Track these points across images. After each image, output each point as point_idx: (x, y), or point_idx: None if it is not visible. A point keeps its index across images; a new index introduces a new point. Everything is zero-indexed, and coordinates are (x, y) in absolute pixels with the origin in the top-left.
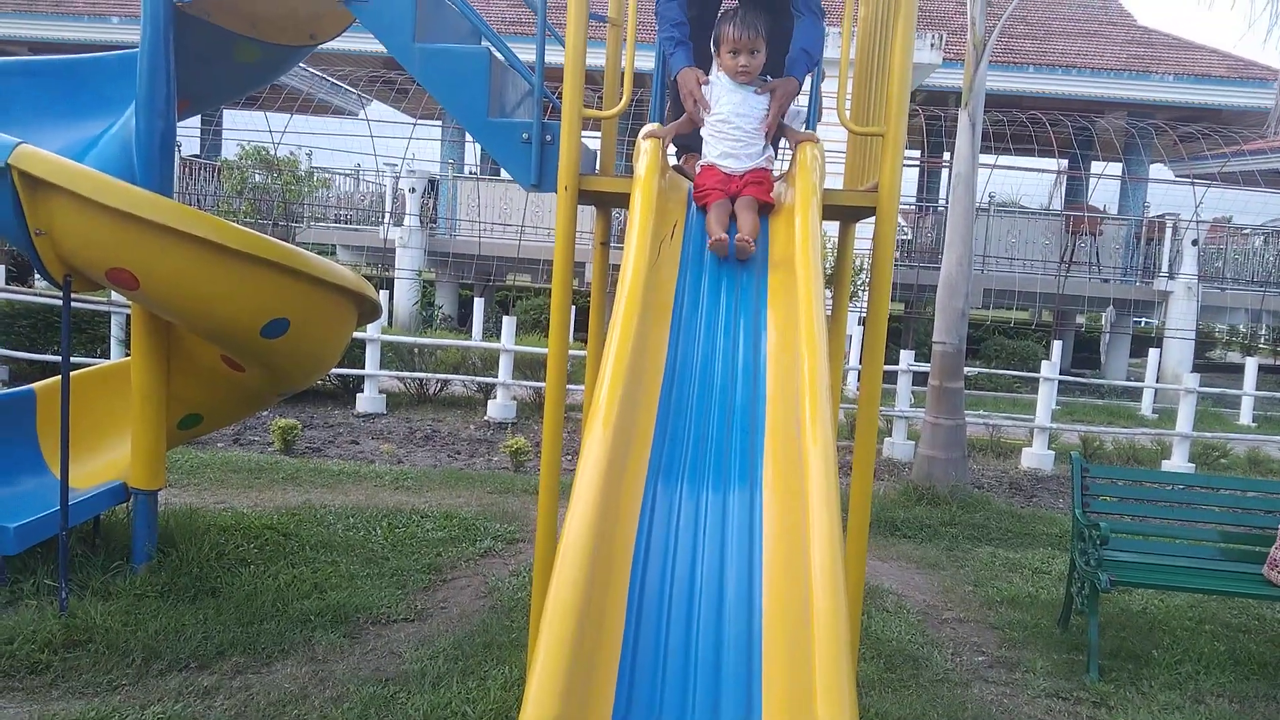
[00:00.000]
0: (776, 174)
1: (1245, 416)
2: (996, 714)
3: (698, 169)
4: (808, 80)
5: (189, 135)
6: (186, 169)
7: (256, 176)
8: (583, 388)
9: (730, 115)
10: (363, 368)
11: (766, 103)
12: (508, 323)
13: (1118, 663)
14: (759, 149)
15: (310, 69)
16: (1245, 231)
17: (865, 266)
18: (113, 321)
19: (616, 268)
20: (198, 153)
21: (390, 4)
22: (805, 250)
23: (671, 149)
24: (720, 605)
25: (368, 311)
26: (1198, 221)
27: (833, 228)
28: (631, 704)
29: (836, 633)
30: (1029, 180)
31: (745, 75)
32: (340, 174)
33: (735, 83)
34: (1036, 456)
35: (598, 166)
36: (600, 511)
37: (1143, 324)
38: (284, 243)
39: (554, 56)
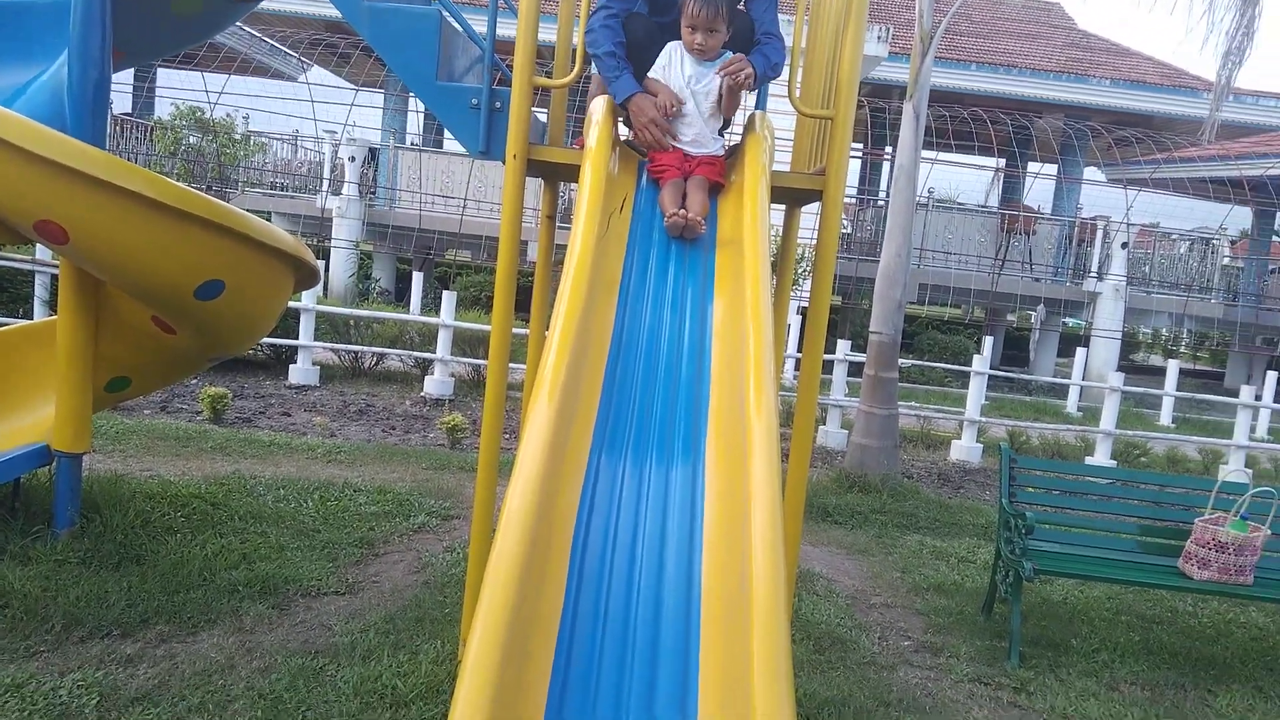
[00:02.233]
0: (725, 150)
1: (1165, 417)
2: (921, 697)
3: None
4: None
5: (121, 92)
6: (118, 127)
7: (191, 138)
8: (523, 366)
9: (687, 91)
10: (296, 338)
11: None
12: (448, 297)
13: (1038, 650)
14: (715, 132)
15: (249, 29)
16: (1172, 237)
17: (806, 255)
18: (36, 281)
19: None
20: (129, 111)
21: None
22: (753, 230)
23: (622, 126)
24: (660, 579)
25: (305, 277)
26: (1128, 225)
27: (777, 215)
28: (569, 675)
29: (775, 608)
30: (967, 178)
31: (702, 53)
32: (277, 139)
33: (701, 62)
34: (965, 449)
35: (546, 138)
36: (543, 484)
37: (1071, 324)
38: (221, 202)
39: (505, 30)
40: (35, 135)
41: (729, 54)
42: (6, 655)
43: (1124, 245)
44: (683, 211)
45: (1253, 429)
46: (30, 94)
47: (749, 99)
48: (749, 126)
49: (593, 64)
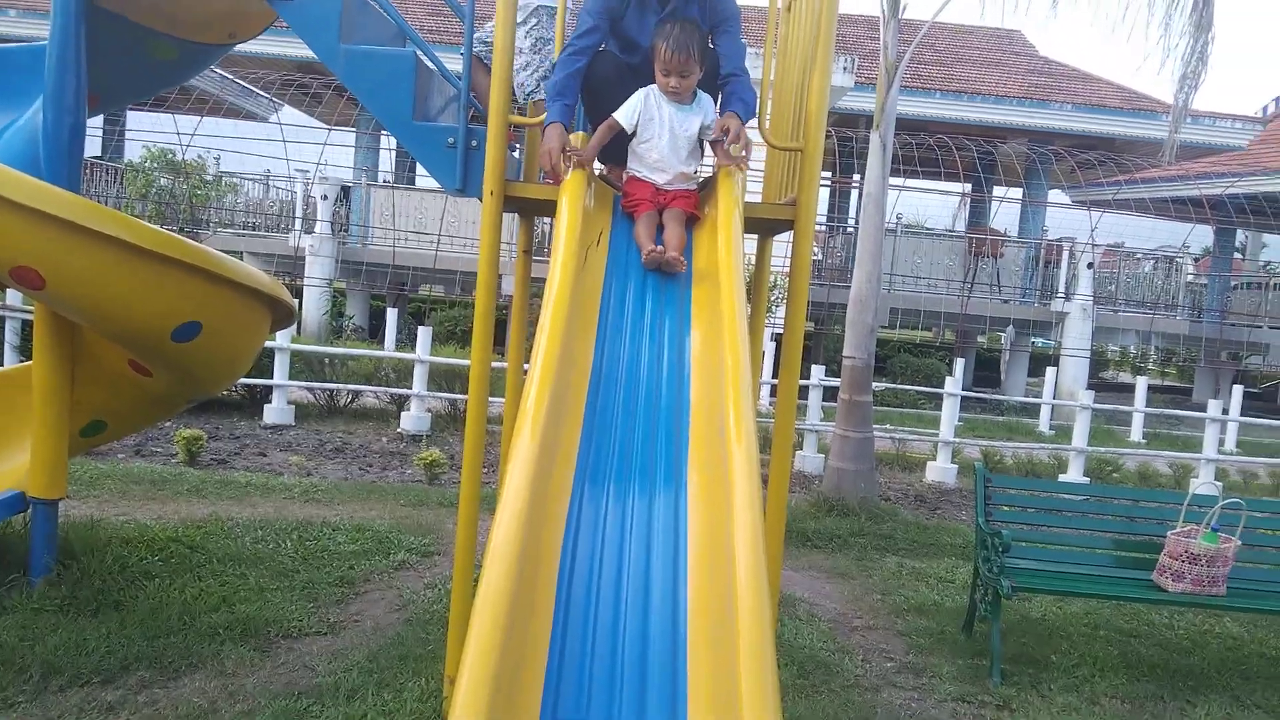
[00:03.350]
0: (699, 183)
1: (1136, 433)
2: (905, 718)
3: (625, 178)
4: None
5: (91, 136)
6: (89, 171)
7: (162, 180)
8: (501, 400)
9: (663, 130)
10: (271, 377)
11: (699, 120)
12: (423, 333)
13: (1019, 667)
14: (690, 169)
15: (221, 71)
16: (1137, 256)
17: (780, 283)
18: (7, 326)
19: (537, 280)
20: (99, 154)
21: (317, 5)
22: (728, 261)
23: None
24: (646, 608)
25: (282, 317)
26: (1093, 245)
27: (750, 243)
28: (558, 709)
29: (761, 632)
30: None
31: (676, 95)
32: (249, 179)
33: (671, 102)
34: (940, 470)
35: (522, 175)
36: (527, 517)
37: (1040, 344)
38: (197, 244)
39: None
40: (10, 181)
41: (703, 95)
42: None
43: (1090, 265)
44: (660, 249)
45: (1221, 442)
46: (6, 139)
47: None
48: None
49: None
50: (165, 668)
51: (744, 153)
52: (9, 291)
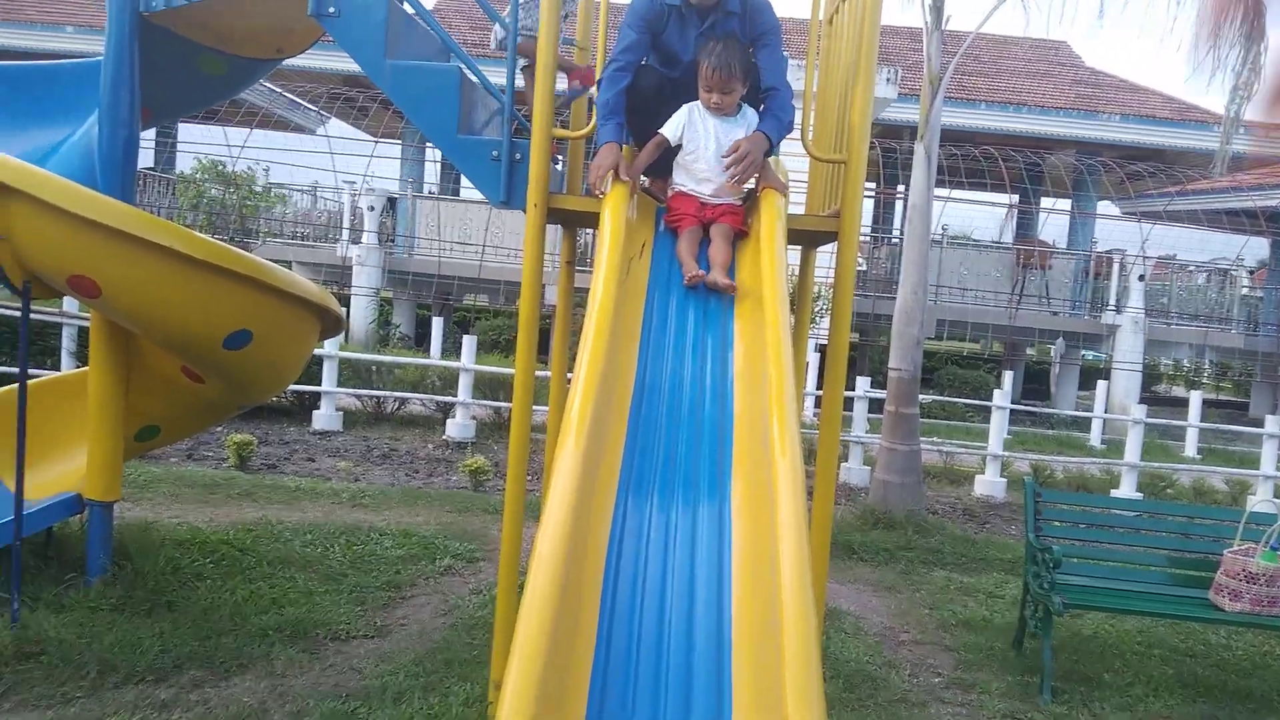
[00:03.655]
0: (745, 196)
1: (1190, 449)
2: None
3: (670, 192)
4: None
5: (144, 148)
6: (141, 182)
7: (213, 191)
8: (545, 408)
9: (709, 141)
10: (320, 384)
11: (744, 132)
12: (468, 342)
13: (1070, 685)
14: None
15: (269, 85)
16: (1189, 269)
17: (823, 294)
18: (64, 333)
19: (579, 290)
20: (152, 166)
21: (362, 21)
22: (771, 273)
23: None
24: (691, 617)
25: (330, 325)
26: (1144, 257)
27: (794, 254)
28: (603, 716)
29: (807, 643)
30: (981, 214)
31: (720, 110)
32: (297, 190)
33: (715, 116)
34: (989, 483)
35: (565, 187)
36: (572, 526)
37: (1090, 357)
38: (248, 254)
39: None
40: (69, 194)
41: (747, 108)
42: (44, 702)
43: (1141, 278)
44: (701, 272)
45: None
46: (63, 153)
47: None
48: (764, 171)
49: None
50: (216, 667)
51: (741, 172)
52: (65, 299)
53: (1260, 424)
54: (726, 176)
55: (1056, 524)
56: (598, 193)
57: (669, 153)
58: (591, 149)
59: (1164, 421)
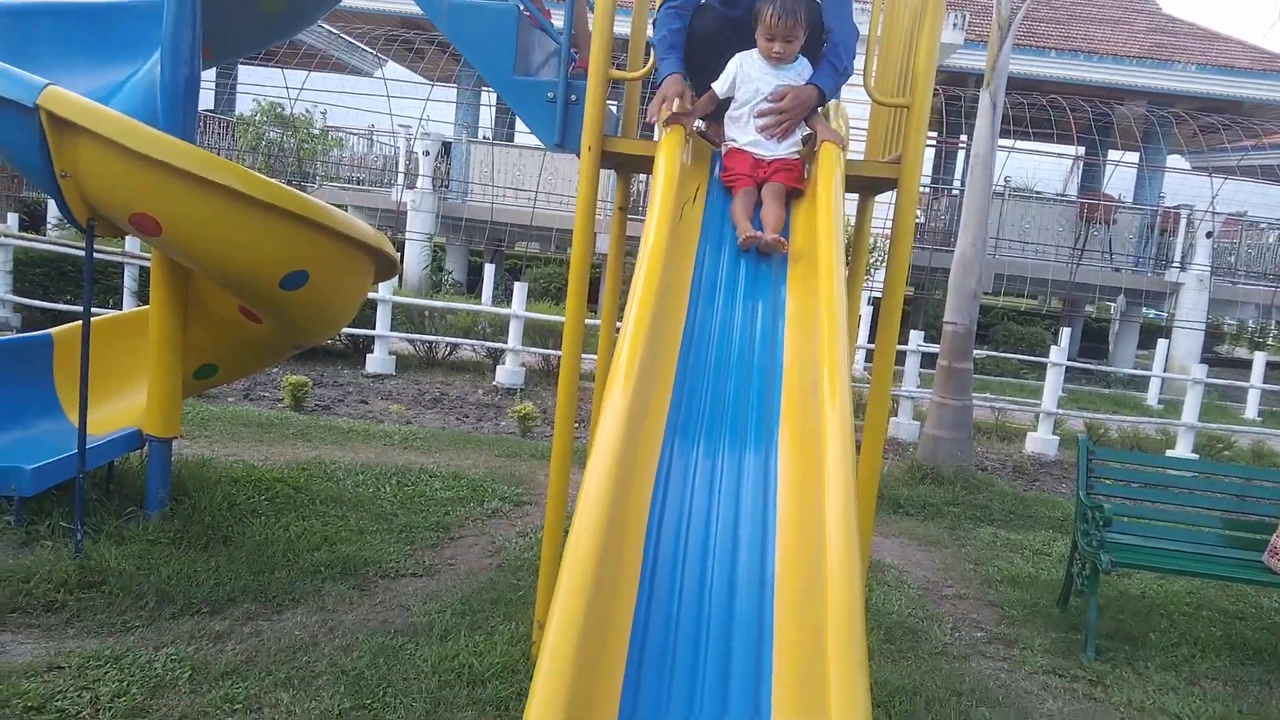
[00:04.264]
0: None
1: (1251, 411)
2: (993, 688)
3: (724, 148)
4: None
5: (203, 90)
6: (201, 123)
7: (271, 133)
8: (593, 356)
9: (758, 96)
10: (373, 328)
11: (798, 83)
12: (519, 288)
13: (1114, 644)
14: (792, 136)
15: (327, 26)
16: (1260, 226)
17: (879, 245)
18: (126, 273)
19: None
20: (211, 107)
21: None
22: (827, 219)
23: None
24: (734, 565)
25: (384, 269)
26: (1213, 214)
27: (850, 204)
28: (644, 660)
29: (850, 592)
30: (1045, 165)
31: (780, 59)
32: (354, 134)
33: (770, 65)
34: (1041, 441)
35: (620, 130)
36: (618, 468)
37: (1151, 315)
38: (306, 195)
39: None
40: (132, 132)
41: (801, 57)
42: (105, 629)
43: (1208, 235)
44: (756, 234)
45: None
46: (126, 91)
47: None
48: (821, 123)
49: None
50: (269, 601)
51: (770, 126)
52: (127, 239)
53: None
54: (760, 124)
55: (1108, 482)
56: (657, 121)
57: (725, 99)
58: (648, 94)
59: (1225, 382)
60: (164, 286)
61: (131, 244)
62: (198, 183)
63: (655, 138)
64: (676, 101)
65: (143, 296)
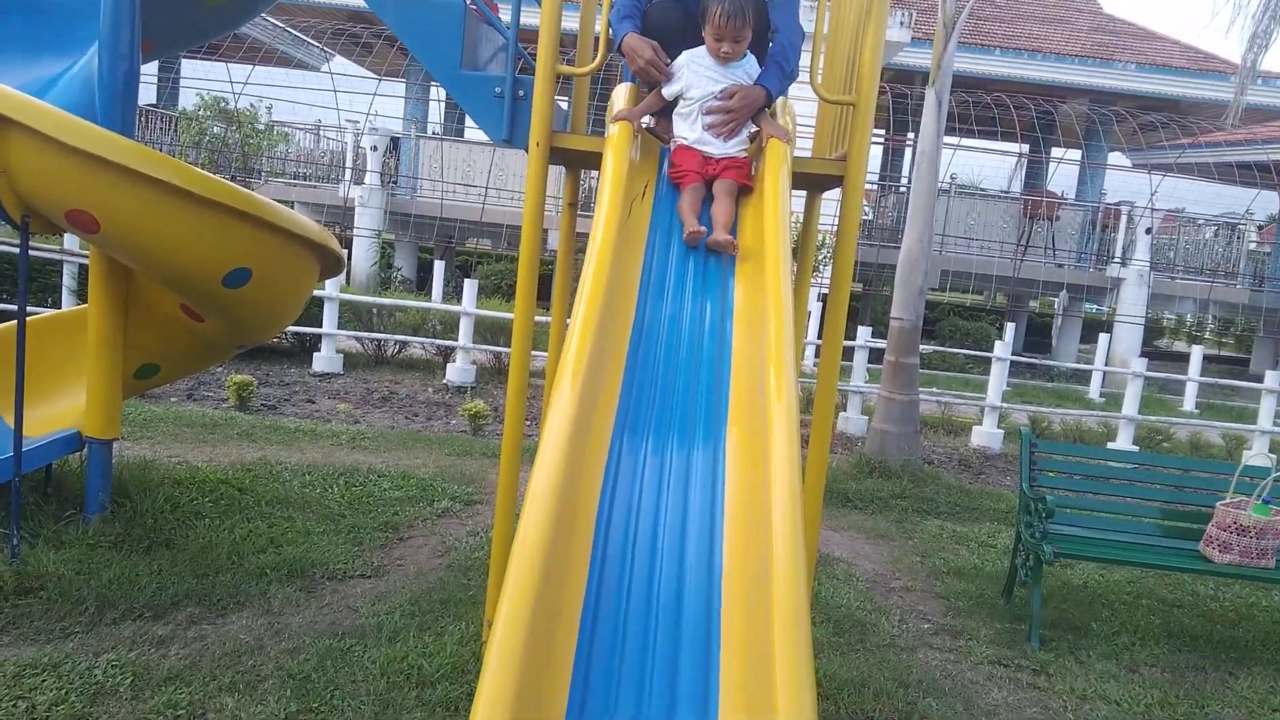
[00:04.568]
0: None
1: (1189, 403)
2: (940, 679)
3: (672, 145)
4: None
5: (145, 84)
6: (143, 118)
7: (215, 128)
8: (545, 353)
9: (705, 94)
10: (320, 326)
11: (745, 81)
12: (469, 285)
13: (1058, 633)
14: (739, 134)
15: (273, 19)
16: (1198, 222)
17: (827, 242)
18: (65, 270)
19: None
20: (154, 102)
21: None
22: (774, 216)
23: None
24: (682, 559)
25: (330, 265)
26: (1152, 210)
27: (798, 201)
28: (593, 655)
29: (795, 586)
30: (990, 163)
31: (728, 58)
32: (300, 129)
33: (719, 64)
34: (986, 434)
35: (569, 126)
36: (567, 464)
37: (1093, 310)
38: (249, 191)
39: (528, 18)
40: (68, 126)
41: (749, 54)
42: (43, 636)
43: (1148, 231)
44: (701, 229)
45: (1277, 414)
46: (62, 85)
47: None
48: (768, 120)
49: (614, 53)
50: (214, 605)
51: (717, 124)
52: (65, 236)
53: (1260, 379)
54: (709, 121)
55: (1051, 474)
56: (654, 74)
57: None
58: (602, 87)
59: (1164, 375)
60: (103, 285)
61: (70, 241)
62: (137, 179)
63: (669, 166)
64: (649, 52)
65: (82, 295)
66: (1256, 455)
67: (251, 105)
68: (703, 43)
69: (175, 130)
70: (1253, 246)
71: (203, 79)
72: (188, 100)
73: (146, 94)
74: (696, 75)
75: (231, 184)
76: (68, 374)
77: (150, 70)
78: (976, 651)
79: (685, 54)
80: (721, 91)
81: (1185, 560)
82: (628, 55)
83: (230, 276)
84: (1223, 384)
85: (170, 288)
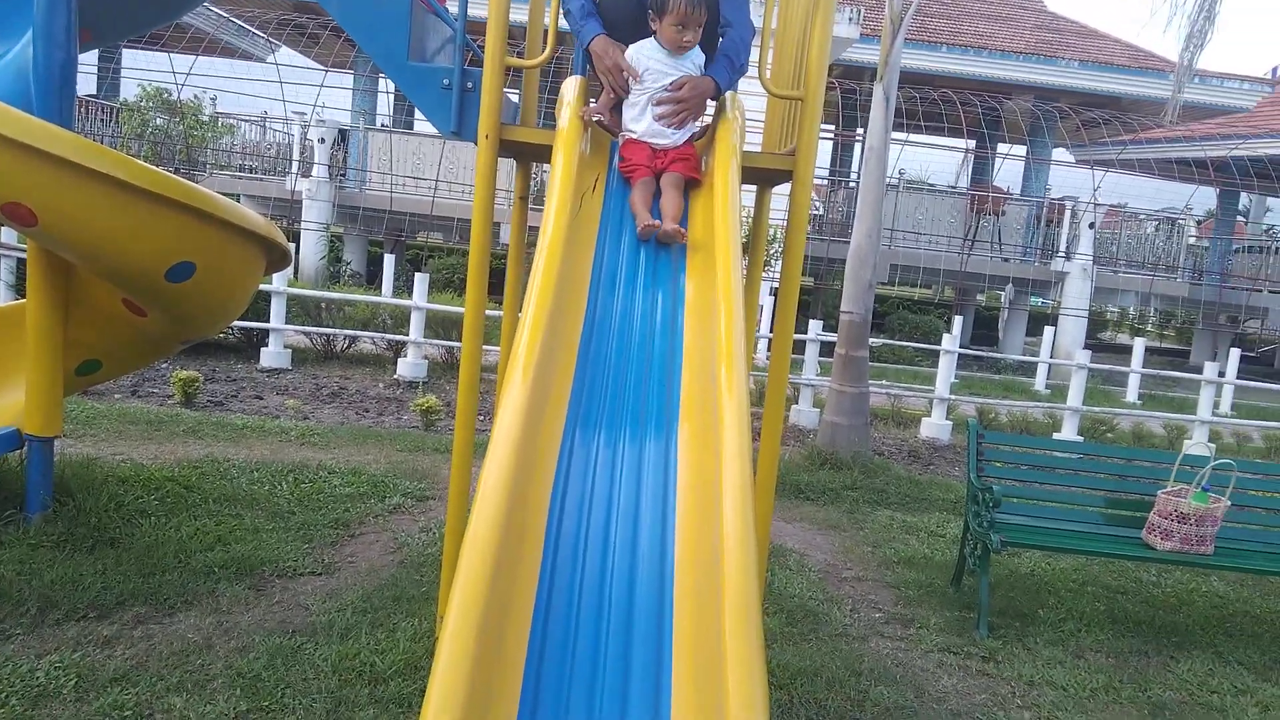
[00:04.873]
0: (698, 133)
1: (1132, 394)
2: (892, 667)
3: (622, 137)
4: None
5: (85, 74)
6: (83, 109)
7: (158, 120)
8: (496, 348)
9: (654, 86)
10: (267, 321)
11: (694, 71)
12: (420, 279)
13: (1006, 620)
14: (689, 126)
15: (217, 10)
16: (1139, 217)
17: (778, 237)
18: (1, 265)
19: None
20: (94, 93)
21: None
22: (724, 211)
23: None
24: (634, 553)
25: (276, 259)
26: (1095, 205)
27: (749, 196)
28: (545, 651)
29: (746, 578)
30: (938, 159)
31: (688, 48)
32: (246, 121)
33: (672, 55)
34: (935, 426)
35: (519, 119)
36: (518, 459)
37: (1039, 303)
38: (192, 184)
39: (476, 10)
40: (2, 117)
41: (697, 48)
42: None
43: (1091, 225)
44: (654, 223)
45: (1216, 404)
46: None
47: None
48: (719, 108)
49: (564, 45)
50: (160, 604)
51: (667, 115)
52: (3, 230)
53: (1200, 371)
54: (659, 112)
55: (998, 465)
56: (615, 90)
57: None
58: (551, 80)
59: (1107, 367)
60: (42, 279)
61: (8, 235)
62: (76, 171)
63: (619, 160)
64: (619, 59)
65: (20, 290)
66: (1196, 445)
67: (195, 96)
68: (650, 34)
69: (117, 121)
70: (1192, 241)
71: (145, 69)
72: (129, 91)
73: (86, 84)
74: (646, 68)
75: (174, 177)
76: (6, 370)
77: (90, 60)
78: (927, 640)
79: (632, 47)
80: (671, 83)
81: (1128, 548)
82: (595, 57)
83: (173, 271)
84: (1164, 375)
85: (112, 282)
